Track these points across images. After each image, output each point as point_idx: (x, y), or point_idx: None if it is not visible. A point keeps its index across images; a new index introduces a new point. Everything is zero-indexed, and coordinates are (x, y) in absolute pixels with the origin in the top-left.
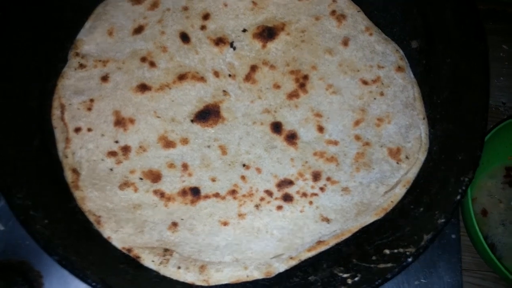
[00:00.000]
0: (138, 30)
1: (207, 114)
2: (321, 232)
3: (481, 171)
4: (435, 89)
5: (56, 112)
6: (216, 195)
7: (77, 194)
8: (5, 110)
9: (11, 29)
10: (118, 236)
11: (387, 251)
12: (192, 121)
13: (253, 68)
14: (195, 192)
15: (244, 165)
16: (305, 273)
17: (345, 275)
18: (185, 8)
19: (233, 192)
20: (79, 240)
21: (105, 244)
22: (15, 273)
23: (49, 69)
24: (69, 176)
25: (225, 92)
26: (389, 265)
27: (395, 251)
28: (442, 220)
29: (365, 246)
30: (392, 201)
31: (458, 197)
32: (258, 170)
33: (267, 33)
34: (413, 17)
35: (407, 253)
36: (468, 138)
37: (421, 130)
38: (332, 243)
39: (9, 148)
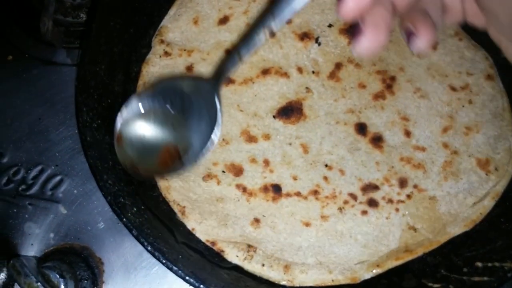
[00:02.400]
0: (223, 20)
1: (290, 111)
2: (408, 241)
3: None
4: None
5: None
6: (298, 194)
7: (161, 183)
8: (93, 92)
9: (98, 16)
10: (202, 228)
11: (479, 264)
12: (274, 117)
13: (338, 65)
14: (276, 189)
15: (326, 166)
16: (391, 282)
17: (435, 286)
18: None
19: (315, 193)
20: (165, 231)
21: (189, 235)
22: (78, 258)
23: (132, 55)
24: None
25: (308, 89)
26: (485, 278)
27: (489, 264)
28: None
29: (452, 257)
30: (481, 213)
31: None
32: (341, 172)
33: (354, 29)
34: None
35: (505, 267)
36: None
37: (511, 141)
38: (420, 252)
39: (97, 132)
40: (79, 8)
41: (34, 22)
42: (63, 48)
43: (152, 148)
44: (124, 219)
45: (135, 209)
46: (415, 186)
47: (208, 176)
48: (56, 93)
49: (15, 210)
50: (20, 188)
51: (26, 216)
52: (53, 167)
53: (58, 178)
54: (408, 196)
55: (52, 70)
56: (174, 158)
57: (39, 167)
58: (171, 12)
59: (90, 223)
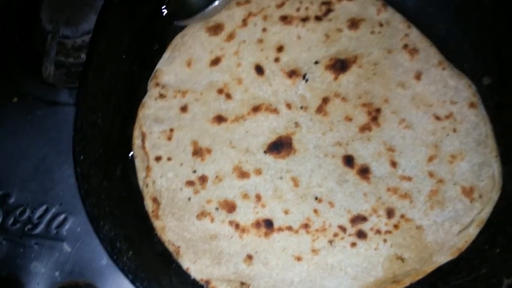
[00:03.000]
0: (215, 61)
1: (280, 146)
2: (396, 272)
3: None
4: (508, 126)
5: (137, 141)
6: (289, 228)
7: (157, 223)
8: (90, 140)
9: (94, 65)
10: (196, 267)
11: None
12: (265, 152)
13: (325, 100)
14: (268, 224)
15: (316, 198)
16: None
17: None
18: (260, 41)
19: (306, 226)
20: (160, 272)
21: (183, 275)
22: None
23: (129, 99)
24: (149, 205)
25: (297, 124)
26: None
27: None
28: None
29: (439, 286)
30: (466, 241)
31: None
32: (331, 204)
33: (339, 65)
34: (485, 53)
35: None
36: None
37: (494, 168)
38: (407, 283)
39: (94, 180)
40: (80, 49)
41: (37, 65)
42: (65, 89)
43: None
44: (120, 264)
45: (131, 252)
46: (402, 216)
47: (202, 214)
48: (59, 133)
49: (21, 250)
50: (26, 228)
51: (32, 255)
52: (57, 206)
53: (62, 216)
54: (395, 226)
55: (56, 110)
56: None
57: (44, 207)
58: (166, 55)
59: (94, 260)
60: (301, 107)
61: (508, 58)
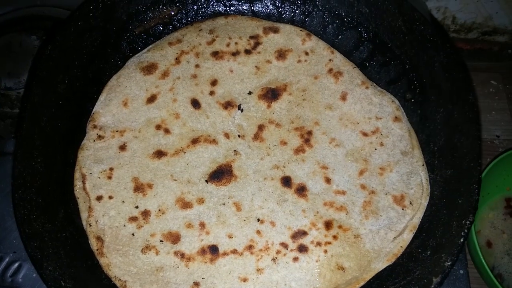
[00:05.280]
0: (151, 99)
1: (221, 174)
2: (338, 281)
3: (483, 203)
4: (431, 136)
5: (78, 183)
6: (234, 251)
7: (102, 261)
8: (30, 186)
9: (29, 114)
10: None
11: None
12: (206, 181)
13: (260, 127)
14: (213, 250)
15: (258, 220)
16: None
17: None
18: (194, 76)
19: (250, 248)
20: None
21: None
22: None
23: (68, 143)
24: (94, 243)
25: (236, 152)
26: None
27: None
28: (449, 263)
29: None
30: (401, 246)
31: (462, 240)
32: (272, 224)
33: (271, 94)
34: (406, 72)
35: None
36: (466, 183)
37: (421, 176)
38: None
39: (36, 223)
40: None
41: None
42: (12, 139)
43: None
44: None
45: None
46: (339, 227)
47: (146, 248)
48: (9, 182)
49: None
50: None
51: None
52: (11, 254)
53: (16, 264)
54: (334, 237)
55: (4, 160)
56: None
57: None
58: (102, 98)
59: None
60: (239, 136)
61: (425, 75)
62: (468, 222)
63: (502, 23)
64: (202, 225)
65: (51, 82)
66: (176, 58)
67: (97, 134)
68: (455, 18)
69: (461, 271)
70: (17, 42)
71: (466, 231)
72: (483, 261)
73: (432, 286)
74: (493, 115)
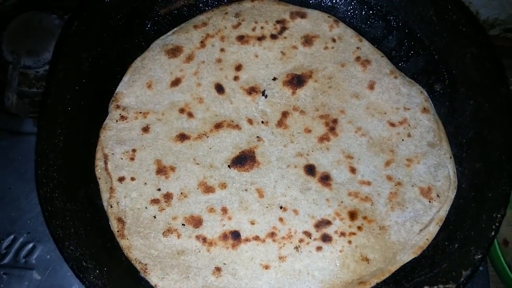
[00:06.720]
0: (176, 82)
1: (243, 159)
2: (362, 272)
3: None
4: (460, 129)
5: (99, 163)
6: (256, 238)
7: (123, 243)
8: (52, 163)
9: (53, 90)
10: (164, 283)
11: None
12: (229, 166)
13: (284, 114)
14: (235, 235)
15: (281, 207)
16: None
17: None
18: (219, 60)
19: (272, 235)
20: None
21: None
22: None
23: (90, 122)
24: (114, 225)
25: (259, 138)
26: None
27: (435, 287)
28: (479, 256)
29: (403, 284)
30: (427, 239)
31: (493, 233)
32: (295, 212)
33: (296, 81)
34: (435, 63)
35: None
36: (496, 176)
37: (449, 168)
38: (373, 283)
39: (58, 201)
40: (42, 79)
41: None
42: (29, 118)
43: None
44: (87, 283)
45: (97, 271)
46: (364, 218)
47: (168, 231)
48: (24, 162)
49: None
50: None
51: (2, 286)
52: (25, 235)
53: (30, 245)
54: (359, 228)
55: (20, 140)
56: None
57: (11, 236)
58: (125, 78)
59: (64, 286)
60: (262, 122)
61: (456, 66)
62: (499, 215)
63: None
64: (224, 210)
65: (76, 59)
66: (201, 42)
67: (120, 114)
68: (478, 14)
69: (481, 268)
70: (37, 20)
71: (497, 224)
72: (502, 259)
73: (462, 279)
74: None
